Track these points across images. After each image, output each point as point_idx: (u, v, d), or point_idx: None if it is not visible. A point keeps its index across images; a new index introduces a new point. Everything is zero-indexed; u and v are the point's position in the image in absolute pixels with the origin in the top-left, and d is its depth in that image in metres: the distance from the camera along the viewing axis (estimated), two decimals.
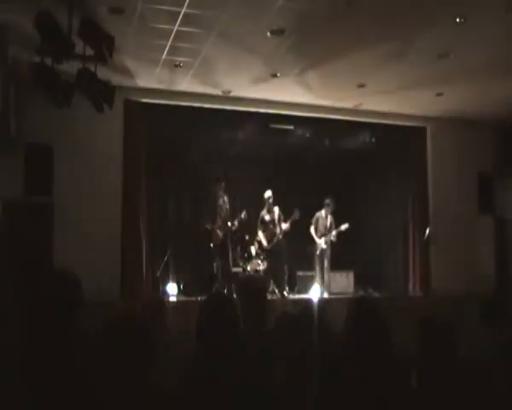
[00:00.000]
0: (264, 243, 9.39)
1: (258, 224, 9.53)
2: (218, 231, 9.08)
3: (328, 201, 9.65)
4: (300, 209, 9.64)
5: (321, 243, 9.48)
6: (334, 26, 6.15)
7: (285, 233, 9.42)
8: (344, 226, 9.56)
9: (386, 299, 9.04)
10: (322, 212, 9.61)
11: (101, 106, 6.03)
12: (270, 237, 9.37)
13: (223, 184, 9.13)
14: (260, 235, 9.48)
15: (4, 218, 7.50)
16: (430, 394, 2.31)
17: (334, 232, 9.50)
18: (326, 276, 9.46)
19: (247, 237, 9.90)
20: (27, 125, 7.55)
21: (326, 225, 9.52)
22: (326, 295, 9.18)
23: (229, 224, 9.03)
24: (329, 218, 9.57)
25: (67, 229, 7.70)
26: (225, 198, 9.13)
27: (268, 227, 9.39)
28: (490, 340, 3.20)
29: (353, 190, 11.19)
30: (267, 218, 9.40)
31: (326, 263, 9.47)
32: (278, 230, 9.32)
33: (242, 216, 9.09)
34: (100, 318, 2.31)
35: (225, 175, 9.35)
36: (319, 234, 9.55)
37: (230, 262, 9.33)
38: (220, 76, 7.91)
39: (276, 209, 9.37)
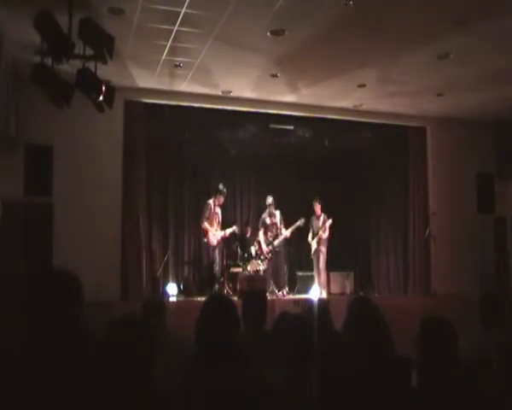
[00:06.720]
0: (264, 246, 9.42)
1: (260, 226, 9.60)
2: (216, 232, 9.16)
3: (316, 201, 9.65)
4: (300, 209, 9.68)
5: (313, 243, 9.52)
6: (334, 26, 6.15)
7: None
8: (300, 222, 9.46)
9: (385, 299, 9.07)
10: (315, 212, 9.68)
11: (101, 106, 6.03)
12: (273, 239, 9.42)
13: (223, 196, 9.25)
14: (261, 237, 9.53)
15: (4, 218, 7.50)
16: (430, 394, 2.31)
17: (288, 230, 9.42)
18: (322, 276, 9.47)
19: (247, 235, 9.97)
20: (27, 125, 7.55)
21: (318, 226, 9.55)
22: (324, 296, 9.19)
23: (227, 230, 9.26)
24: (322, 218, 9.57)
25: (67, 229, 7.70)
26: (219, 210, 9.25)
27: (269, 230, 9.43)
28: (489, 340, 3.20)
29: (353, 190, 11.21)
30: (268, 221, 9.45)
31: (321, 263, 9.47)
32: (279, 233, 9.35)
33: (231, 230, 9.27)
34: (100, 318, 2.31)
35: (226, 188, 9.52)
36: (312, 234, 9.58)
37: (231, 263, 9.39)
38: (220, 76, 7.91)
39: (278, 213, 9.42)
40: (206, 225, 9.07)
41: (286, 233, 9.35)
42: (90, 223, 7.86)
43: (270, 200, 9.43)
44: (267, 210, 9.46)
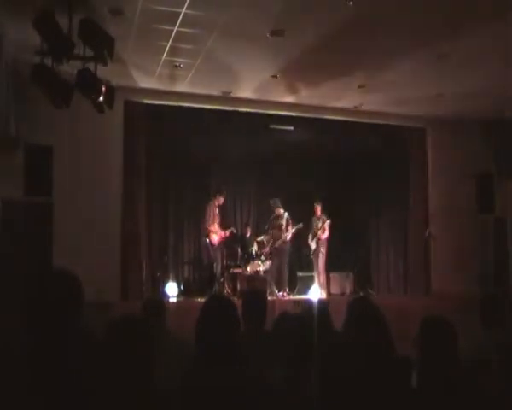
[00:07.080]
0: (267, 247, 9.47)
1: (267, 228, 9.64)
2: (218, 232, 9.17)
3: (317, 202, 9.68)
4: (300, 210, 9.68)
5: (313, 243, 9.53)
6: (334, 27, 6.15)
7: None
8: (298, 226, 9.51)
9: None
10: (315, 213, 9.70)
11: (102, 106, 6.04)
12: (274, 241, 9.44)
13: (223, 197, 9.29)
14: (265, 238, 9.57)
15: (4, 218, 7.50)
16: (430, 394, 2.31)
17: (287, 233, 9.48)
18: (321, 276, 9.47)
19: (247, 235, 9.97)
20: (27, 125, 7.54)
21: (318, 226, 9.56)
22: (323, 296, 9.19)
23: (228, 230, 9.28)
24: (322, 219, 9.58)
25: (67, 229, 7.70)
26: (217, 211, 9.28)
27: (274, 232, 9.46)
28: (489, 340, 3.20)
29: (353, 190, 11.19)
30: (273, 224, 9.47)
31: (320, 264, 9.48)
32: (283, 235, 9.37)
33: (228, 232, 9.29)
34: (100, 318, 2.31)
35: (226, 189, 9.55)
36: (312, 235, 9.59)
37: (231, 263, 9.39)
38: (220, 77, 7.91)
39: (286, 215, 9.43)
40: (212, 226, 9.12)
41: (286, 236, 9.36)
42: (90, 223, 7.85)
43: (272, 202, 9.47)
44: (273, 213, 9.52)
